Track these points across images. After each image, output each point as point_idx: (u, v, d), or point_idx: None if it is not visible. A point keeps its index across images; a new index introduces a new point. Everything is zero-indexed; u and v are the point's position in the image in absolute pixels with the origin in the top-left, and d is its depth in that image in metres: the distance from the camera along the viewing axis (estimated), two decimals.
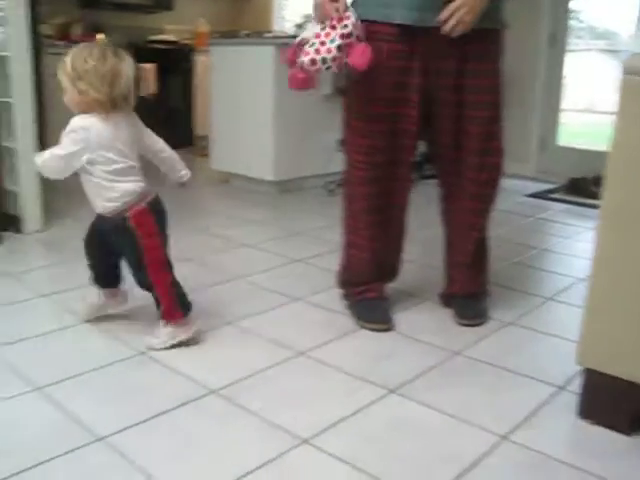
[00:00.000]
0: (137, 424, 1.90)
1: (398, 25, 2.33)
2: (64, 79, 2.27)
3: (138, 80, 2.40)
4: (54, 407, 1.99)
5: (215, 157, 5.28)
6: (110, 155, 2.30)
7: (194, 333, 2.42)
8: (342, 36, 2.25)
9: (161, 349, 2.36)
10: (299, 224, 4.09)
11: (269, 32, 7.42)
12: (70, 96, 2.28)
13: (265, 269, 3.26)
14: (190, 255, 3.40)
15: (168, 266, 2.42)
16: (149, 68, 6.73)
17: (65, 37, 6.63)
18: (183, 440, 1.84)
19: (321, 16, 2.32)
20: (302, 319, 2.68)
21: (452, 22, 2.23)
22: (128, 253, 2.41)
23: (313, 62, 2.25)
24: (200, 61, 7.17)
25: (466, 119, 2.44)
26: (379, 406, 2.04)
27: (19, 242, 3.67)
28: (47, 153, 2.33)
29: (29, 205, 3.81)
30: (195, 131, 7.19)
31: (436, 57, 2.36)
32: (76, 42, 6.28)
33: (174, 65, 7.05)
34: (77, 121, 2.26)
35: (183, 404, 2.01)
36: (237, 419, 1.95)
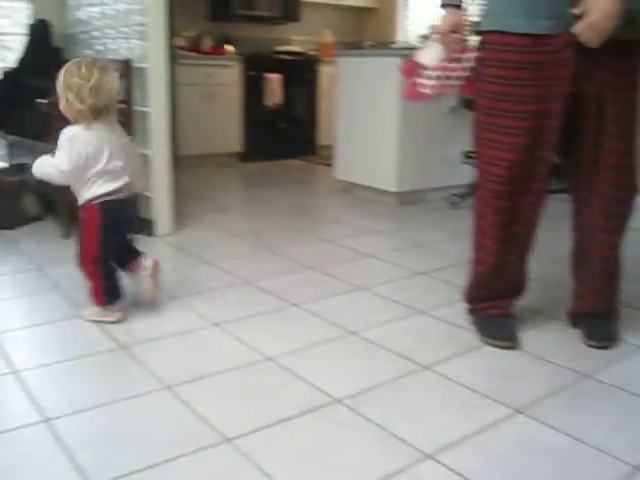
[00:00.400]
0: (263, 428, 1.94)
1: (528, 35, 2.29)
2: (59, 90, 2.55)
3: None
4: (184, 406, 2.06)
5: (338, 167, 5.32)
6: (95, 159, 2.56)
7: (117, 318, 2.70)
8: (464, 70, 2.29)
9: (88, 320, 2.67)
10: (421, 236, 4.06)
11: (393, 43, 7.45)
12: (62, 105, 2.56)
13: (388, 280, 3.25)
14: (314, 264, 3.45)
15: (99, 261, 2.67)
16: (275, 78, 6.87)
17: (196, 49, 6.89)
18: (307, 447, 1.86)
19: (443, 44, 2.33)
20: (426, 332, 2.66)
21: (582, 26, 2.15)
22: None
23: (434, 94, 2.33)
24: (325, 72, 7.27)
25: (605, 134, 2.35)
26: (505, 426, 1.99)
27: (150, 245, 3.81)
28: (52, 168, 2.60)
29: (161, 209, 3.97)
30: (318, 141, 7.29)
31: (572, 66, 2.29)
32: (206, 53, 6.64)
33: (299, 75, 7.17)
34: (66, 133, 2.55)
35: (308, 411, 2.04)
36: (360, 430, 1.95)
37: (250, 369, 2.31)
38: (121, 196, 2.66)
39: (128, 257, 2.82)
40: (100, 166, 2.57)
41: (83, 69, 2.53)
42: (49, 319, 2.74)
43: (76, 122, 2.56)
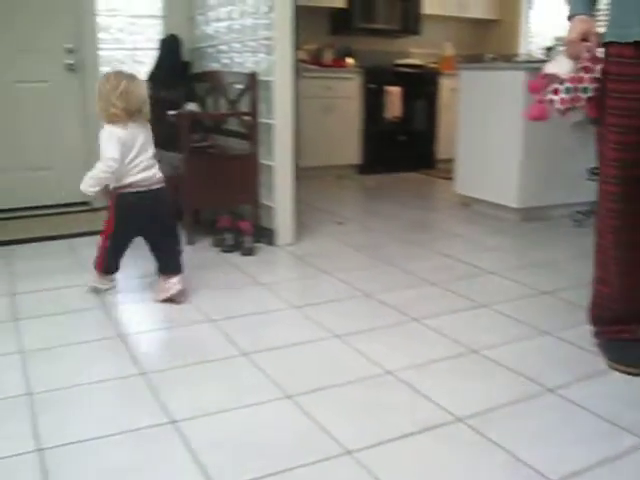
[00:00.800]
0: (384, 443, 1.93)
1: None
2: (96, 98, 2.96)
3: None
4: (304, 416, 2.07)
5: (458, 181, 5.25)
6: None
7: (109, 287, 3.23)
8: (593, 81, 2.24)
9: (89, 285, 3.21)
10: (544, 254, 3.95)
11: (516, 55, 7.30)
12: (98, 111, 2.96)
13: (510, 298, 3.17)
14: (434, 279, 3.41)
15: (111, 238, 3.12)
16: (395, 91, 6.87)
17: (317, 62, 6.98)
18: (428, 465, 1.84)
19: (572, 55, 2.26)
20: (549, 354, 2.57)
21: None
22: None
23: (566, 109, 2.27)
24: (445, 85, 7.21)
25: None
26: (634, 456, 1.90)
27: (271, 254, 3.90)
28: (99, 170, 2.95)
29: (283, 219, 4.04)
30: (437, 154, 7.23)
31: None
32: (327, 66, 6.71)
33: (419, 88, 7.14)
34: (104, 132, 2.93)
35: (429, 428, 2.01)
36: (483, 451, 1.91)
37: (370, 382, 2.30)
38: (150, 186, 3.07)
39: (165, 261, 3.16)
40: (130, 158, 2.97)
41: (112, 79, 2.93)
42: (175, 323, 2.84)
43: (112, 124, 2.93)
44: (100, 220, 4.45)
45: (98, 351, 2.59)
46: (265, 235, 4.01)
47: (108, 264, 3.19)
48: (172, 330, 2.78)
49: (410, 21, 7.33)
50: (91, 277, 3.23)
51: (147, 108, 3.04)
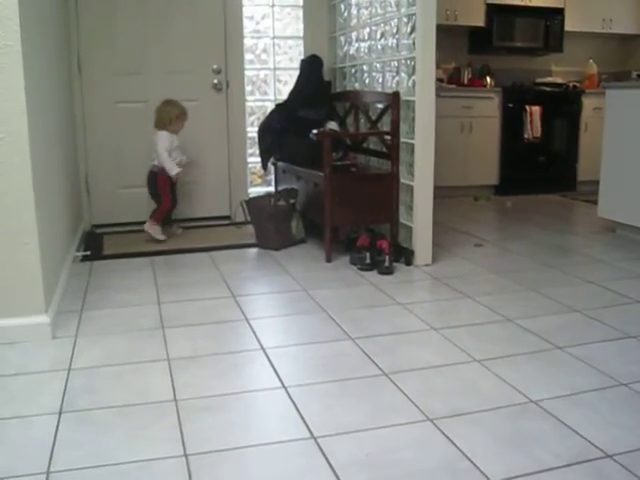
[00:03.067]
0: (528, 474, 1.87)
1: None
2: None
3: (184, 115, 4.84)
4: (447, 441, 2.04)
5: (603, 204, 5.05)
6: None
7: (164, 238, 4.77)
8: None
9: (145, 231, 4.79)
10: None
11: None
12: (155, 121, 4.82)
13: None
14: (577, 306, 3.29)
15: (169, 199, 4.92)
16: (535, 110, 6.71)
17: (455, 81, 6.93)
18: None
19: None
20: None
21: None
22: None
23: None
24: (587, 104, 6.98)
25: None
26: None
27: (409, 274, 3.89)
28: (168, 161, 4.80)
29: (421, 239, 4.02)
30: (578, 176, 6.99)
31: None
32: (466, 85, 6.65)
33: (560, 108, 6.94)
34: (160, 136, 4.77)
35: (576, 463, 1.93)
36: None
37: (514, 410, 2.25)
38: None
39: None
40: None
41: (161, 104, 4.80)
42: (315, 339, 2.88)
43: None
44: (242, 234, 4.65)
45: (242, 362, 2.66)
46: (403, 255, 4.01)
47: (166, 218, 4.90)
48: (313, 345, 2.81)
49: (552, 39, 7.14)
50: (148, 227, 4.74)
51: (175, 120, 4.82)
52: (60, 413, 2.24)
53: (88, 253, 4.37)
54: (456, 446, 2.01)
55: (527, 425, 2.15)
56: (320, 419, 2.18)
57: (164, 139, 4.74)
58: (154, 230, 4.76)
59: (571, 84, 7.23)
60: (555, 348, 2.77)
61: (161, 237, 4.76)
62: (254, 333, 2.96)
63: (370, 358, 2.67)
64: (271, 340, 2.89)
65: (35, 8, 3.20)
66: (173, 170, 4.76)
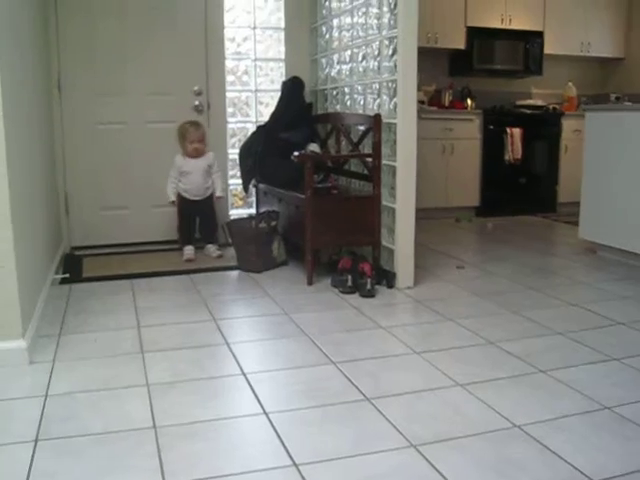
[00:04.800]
0: None
1: None
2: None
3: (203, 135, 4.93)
4: (431, 468, 2.01)
5: (583, 225, 5.07)
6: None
7: (185, 258, 4.82)
8: None
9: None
10: None
11: None
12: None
13: None
14: (560, 328, 3.29)
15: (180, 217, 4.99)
16: (515, 132, 6.75)
17: (436, 103, 6.97)
18: None
19: None
20: None
21: None
22: None
23: None
24: (567, 126, 7.04)
25: None
26: None
27: (391, 297, 3.87)
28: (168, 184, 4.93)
29: (403, 262, 4.01)
30: (558, 197, 7.03)
31: None
32: (447, 107, 6.69)
33: (541, 130, 6.99)
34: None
35: None
36: None
37: (497, 435, 2.22)
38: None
39: None
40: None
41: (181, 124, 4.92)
42: (297, 364, 2.85)
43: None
44: (225, 257, 4.63)
45: (222, 387, 2.63)
46: (385, 277, 3.99)
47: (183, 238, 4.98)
48: (294, 370, 2.78)
49: (532, 61, 7.22)
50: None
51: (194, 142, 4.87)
52: (36, 441, 2.19)
53: (67, 275, 4.32)
54: (440, 473, 1.98)
55: (511, 451, 2.12)
56: (302, 446, 2.15)
57: (174, 161, 4.88)
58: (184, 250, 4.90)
59: (551, 106, 7.30)
60: (538, 371, 2.76)
61: (183, 257, 4.83)
62: (235, 358, 2.92)
63: (352, 383, 2.64)
64: (252, 365, 2.85)
65: (12, 28, 3.18)
66: (168, 196, 4.88)
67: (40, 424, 2.31)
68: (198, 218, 4.99)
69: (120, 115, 5.14)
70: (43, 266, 3.83)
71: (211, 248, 4.96)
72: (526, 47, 7.17)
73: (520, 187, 6.90)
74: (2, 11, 2.78)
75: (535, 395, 2.54)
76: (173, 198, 4.89)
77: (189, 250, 4.88)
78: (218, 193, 4.94)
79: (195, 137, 4.82)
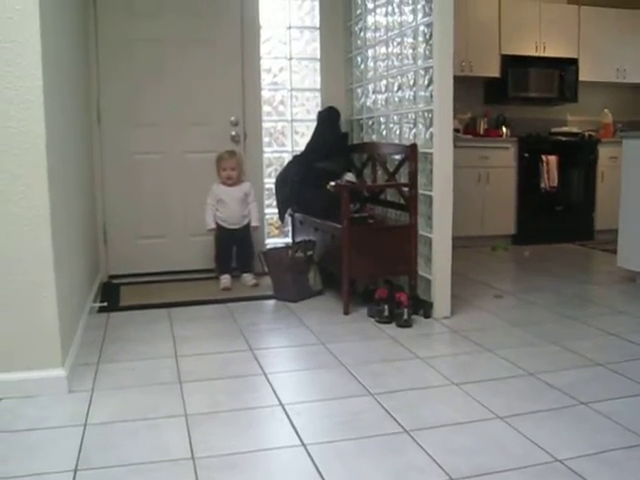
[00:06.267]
0: None
1: None
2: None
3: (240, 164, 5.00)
4: None
5: (622, 254, 5.00)
6: None
7: (222, 286, 4.84)
8: None
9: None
10: None
11: None
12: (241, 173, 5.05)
13: None
14: (601, 359, 3.24)
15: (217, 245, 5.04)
16: (551, 160, 6.71)
17: (471, 131, 6.97)
18: None
19: None
20: None
21: None
22: None
23: None
24: (603, 153, 6.98)
25: None
26: None
27: (428, 327, 3.84)
28: (207, 212, 4.99)
29: (440, 292, 3.99)
30: (595, 225, 6.95)
31: None
32: (482, 135, 6.68)
33: (576, 157, 6.94)
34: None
35: None
36: None
37: (539, 470, 2.18)
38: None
39: None
40: None
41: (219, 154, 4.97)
42: (334, 395, 2.83)
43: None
44: (262, 286, 4.65)
45: (260, 418, 2.62)
46: (422, 307, 3.97)
47: (220, 267, 5.02)
48: (331, 401, 2.77)
49: (566, 88, 7.19)
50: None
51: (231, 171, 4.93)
52: (75, 470, 2.20)
53: (105, 304, 4.37)
54: None
55: None
56: (340, 479, 2.13)
57: (212, 189, 4.94)
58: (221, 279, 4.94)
59: (587, 133, 7.26)
60: (579, 404, 2.71)
61: (220, 286, 4.86)
62: (272, 388, 2.92)
63: (390, 414, 2.62)
64: (289, 396, 2.85)
65: (58, 62, 3.25)
66: (207, 224, 4.94)
67: (80, 453, 2.32)
68: (235, 247, 5.02)
69: (157, 145, 5.22)
70: (82, 295, 3.88)
71: (247, 277, 4.99)
72: (561, 74, 7.14)
73: (556, 215, 6.83)
74: (49, 47, 2.85)
75: (576, 428, 2.49)
76: (213, 226, 4.93)
77: (226, 279, 4.90)
78: (254, 223, 4.96)
79: (228, 165, 4.88)
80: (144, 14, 5.09)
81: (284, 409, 2.69)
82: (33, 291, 2.83)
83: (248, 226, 4.99)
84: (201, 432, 2.48)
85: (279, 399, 2.79)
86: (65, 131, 3.46)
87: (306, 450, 2.33)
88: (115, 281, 5.14)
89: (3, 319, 2.82)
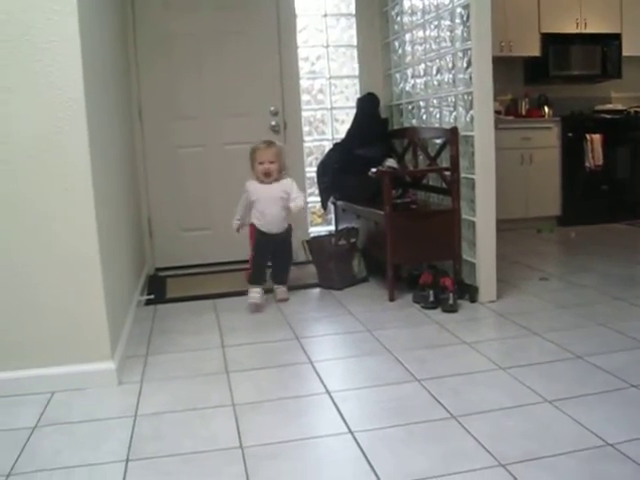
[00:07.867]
0: None
1: None
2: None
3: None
4: None
5: None
6: None
7: (253, 298, 4.08)
8: None
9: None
10: None
11: None
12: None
13: None
14: None
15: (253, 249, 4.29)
16: (595, 139, 6.58)
17: (513, 112, 6.87)
18: None
19: None
20: None
21: None
22: None
23: None
24: None
25: None
26: None
27: (474, 311, 3.82)
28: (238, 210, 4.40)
29: (485, 276, 3.96)
30: None
31: None
32: (524, 116, 6.58)
33: (622, 134, 6.79)
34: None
35: None
36: None
37: (590, 454, 2.15)
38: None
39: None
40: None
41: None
42: (381, 381, 2.84)
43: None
44: (305, 275, 4.65)
45: (307, 407, 2.64)
46: (467, 292, 3.95)
47: (254, 277, 4.21)
48: (378, 388, 2.77)
49: (609, 65, 7.03)
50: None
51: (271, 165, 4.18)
52: (127, 461, 2.25)
53: (152, 297, 4.43)
54: None
55: (605, 470, 2.05)
56: (389, 465, 2.14)
57: (245, 187, 4.26)
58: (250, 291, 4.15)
59: (632, 110, 7.09)
60: (630, 386, 2.67)
61: (248, 299, 4.11)
62: (319, 376, 2.93)
63: (437, 400, 2.61)
64: (336, 383, 2.86)
65: (97, 60, 3.29)
66: (233, 224, 4.35)
67: (130, 444, 2.37)
68: (272, 255, 4.30)
69: (198, 138, 5.26)
70: (129, 288, 3.94)
71: (279, 289, 4.32)
72: (603, 50, 6.98)
73: (602, 194, 6.70)
74: (89, 45, 2.89)
75: (628, 411, 2.45)
76: (235, 228, 4.35)
77: (256, 293, 4.11)
78: (292, 204, 4.14)
79: (266, 157, 4.10)
80: (180, 9, 5.13)
81: (331, 397, 2.70)
82: (81, 286, 2.88)
83: (290, 230, 4.34)
84: (249, 421, 2.51)
85: (325, 387, 2.80)
86: (107, 127, 3.51)
87: (353, 437, 2.34)
88: (161, 274, 5.21)
89: (54, 315, 2.88)
